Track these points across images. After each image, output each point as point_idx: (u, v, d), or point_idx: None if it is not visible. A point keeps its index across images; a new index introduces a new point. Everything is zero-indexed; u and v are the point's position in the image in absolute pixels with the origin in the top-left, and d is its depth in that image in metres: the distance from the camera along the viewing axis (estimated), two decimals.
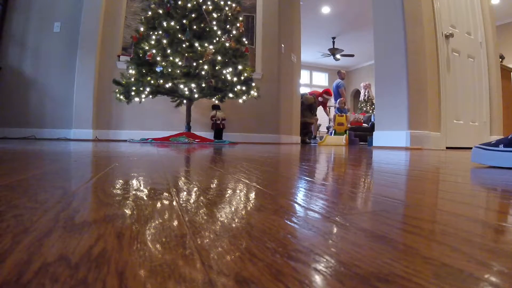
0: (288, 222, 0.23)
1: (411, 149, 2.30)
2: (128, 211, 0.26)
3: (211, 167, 0.70)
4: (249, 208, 0.29)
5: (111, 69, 3.57)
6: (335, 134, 4.67)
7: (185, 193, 0.36)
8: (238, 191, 0.38)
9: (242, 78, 3.06)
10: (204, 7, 2.95)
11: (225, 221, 0.24)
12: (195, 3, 2.93)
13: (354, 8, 5.90)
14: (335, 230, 0.22)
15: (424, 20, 2.64)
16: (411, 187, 0.45)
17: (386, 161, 1.02)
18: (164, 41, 2.83)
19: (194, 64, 2.86)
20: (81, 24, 3.47)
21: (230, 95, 3.09)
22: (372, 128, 4.61)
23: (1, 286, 0.12)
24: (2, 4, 3.43)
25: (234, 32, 3.13)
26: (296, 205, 0.30)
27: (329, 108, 6.43)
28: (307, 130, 5.15)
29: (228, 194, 0.35)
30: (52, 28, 3.55)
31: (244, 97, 3.17)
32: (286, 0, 4.31)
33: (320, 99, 5.33)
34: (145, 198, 0.32)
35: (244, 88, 3.10)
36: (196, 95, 3.02)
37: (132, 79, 2.89)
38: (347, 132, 4.34)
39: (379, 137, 2.80)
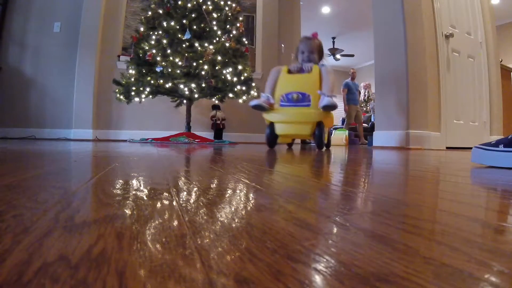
0: (288, 222, 0.23)
1: (411, 149, 2.30)
2: (128, 211, 0.26)
3: (211, 167, 0.70)
4: (249, 208, 0.29)
5: (111, 69, 3.57)
6: None
7: (185, 193, 0.36)
8: (238, 191, 0.38)
9: (242, 78, 3.06)
10: (204, 7, 2.95)
11: (225, 221, 0.24)
12: (195, 3, 2.93)
13: (354, 8, 5.90)
14: (335, 230, 0.22)
15: (424, 20, 2.64)
16: (411, 187, 0.45)
17: (386, 161, 1.02)
18: (164, 41, 2.83)
19: (194, 64, 2.86)
20: (81, 24, 3.47)
21: (230, 95, 3.09)
22: (372, 128, 4.32)
23: (1, 286, 0.12)
24: (2, 4, 3.42)
25: (234, 32, 3.13)
26: (296, 205, 0.30)
27: None
28: None
29: (228, 194, 0.35)
30: (52, 28, 3.55)
31: (244, 97, 3.17)
32: (286, 0, 4.31)
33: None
34: (145, 198, 0.32)
35: (244, 88, 3.10)
36: (196, 95, 3.02)
37: (132, 79, 2.89)
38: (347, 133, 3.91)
39: (379, 137, 2.80)
